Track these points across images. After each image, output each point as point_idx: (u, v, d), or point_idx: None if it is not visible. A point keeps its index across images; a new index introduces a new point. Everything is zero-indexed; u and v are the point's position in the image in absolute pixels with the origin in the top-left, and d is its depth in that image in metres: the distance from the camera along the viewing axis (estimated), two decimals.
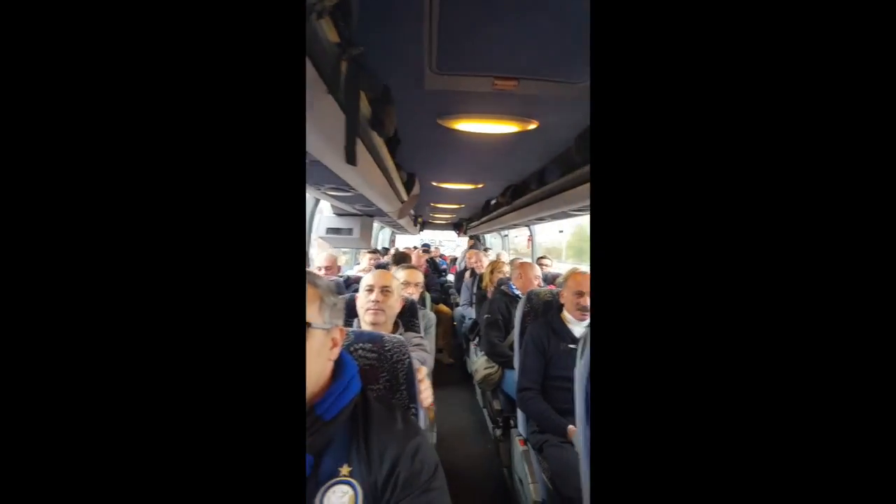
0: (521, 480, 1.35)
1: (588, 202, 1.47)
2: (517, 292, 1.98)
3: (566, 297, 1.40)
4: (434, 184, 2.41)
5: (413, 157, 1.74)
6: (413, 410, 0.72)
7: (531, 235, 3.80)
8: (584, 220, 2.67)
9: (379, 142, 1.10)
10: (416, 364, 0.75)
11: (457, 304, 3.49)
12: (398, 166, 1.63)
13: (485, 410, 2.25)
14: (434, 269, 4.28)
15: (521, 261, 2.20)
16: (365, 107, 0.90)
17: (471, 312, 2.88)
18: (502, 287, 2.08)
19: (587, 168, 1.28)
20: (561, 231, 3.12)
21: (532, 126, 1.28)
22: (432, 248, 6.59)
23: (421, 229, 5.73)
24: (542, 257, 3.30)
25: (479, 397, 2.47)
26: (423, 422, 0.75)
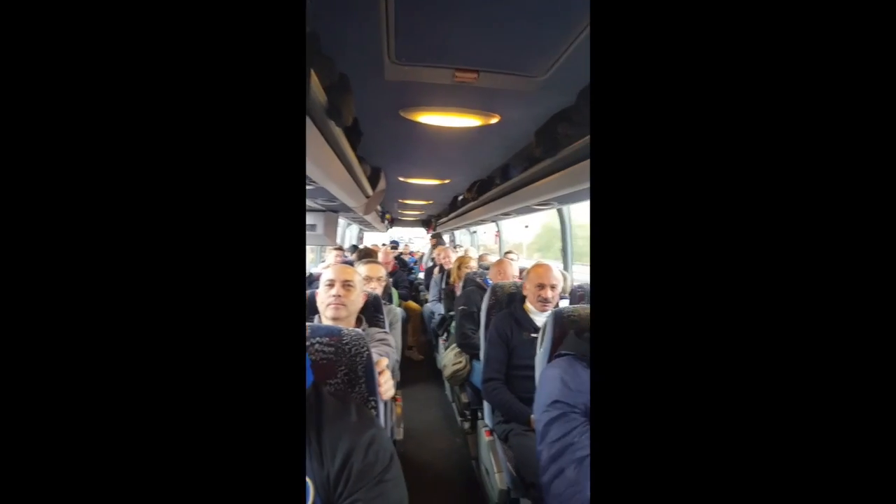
0: (487, 471, 1.37)
1: (547, 196, 1.50)
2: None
3: (528, 289, 1.44)
4: (400, 178, 2.39)
5: (377, 151, 1.71)
6: (373, 403, 0.71)
7: (498, 231, 3.85)
8: (548, 217, 2.74)
9: (338, 132, 1.07)
10: (375, 357, 0.74)
11: (426, 301, 3.48)
12: (361, 159, 1.60)
13: (454, 405, 2.27)
14: (403, 267, 4.25)
15: (500, 258, 2.24)
16: (321, 95, 0.88)
17: (440, 308, 2.89)
18: (478, 280, 2.10)
19: (548, 162, 1.31)
20: (527, 226, 3.18)
21: (494, 120, 1.29)
22: (402, 246, 6.54)
23: (390, 226, 5.67)
24: (508, 252, 3.35)
25: (448, 392, 2.48)
26: (383, 415, 0.74)
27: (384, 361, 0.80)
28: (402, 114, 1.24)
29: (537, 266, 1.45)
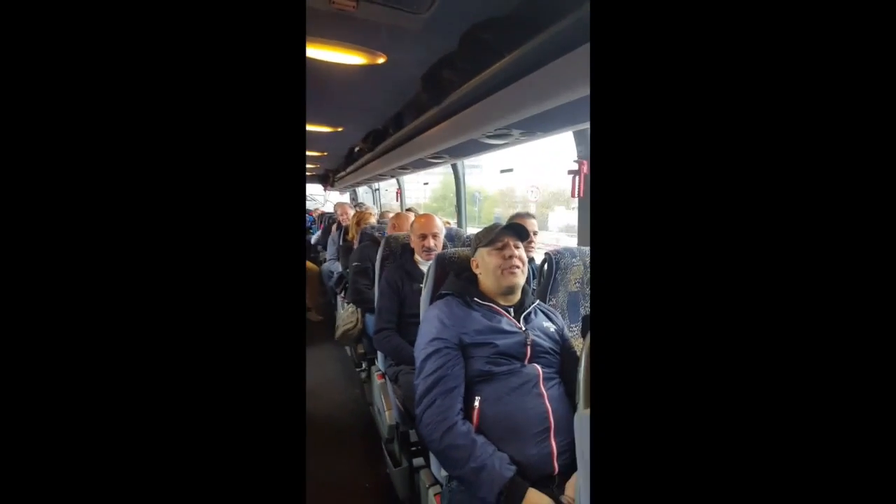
0: (379, 410, 1.43)
1: (437, 147, 1.52)
2: None
3: (414, 241, 1.47)
4: None
5: None
6: None
7: (400, 189, 3.81)
8: (446, 174, 2.78)
9: None
10: None
11: (325, 261, 3.34)
12: None
13: (352, 359, 2.29)
14: None
15: (396, 212, 2.21)
16: None
17: (338, 267, 2.80)
18: (375, 235, 2.06)
19: (435, 111, 1.31)
20: (426, 184, 3.21)
21: (381, 60, 1.22)
22: None
23: None
24: (409, 209, 3.36)
25: (347, 348, 2.48)
26: None
27: None
28: None
29: (419, 217, 1.49)
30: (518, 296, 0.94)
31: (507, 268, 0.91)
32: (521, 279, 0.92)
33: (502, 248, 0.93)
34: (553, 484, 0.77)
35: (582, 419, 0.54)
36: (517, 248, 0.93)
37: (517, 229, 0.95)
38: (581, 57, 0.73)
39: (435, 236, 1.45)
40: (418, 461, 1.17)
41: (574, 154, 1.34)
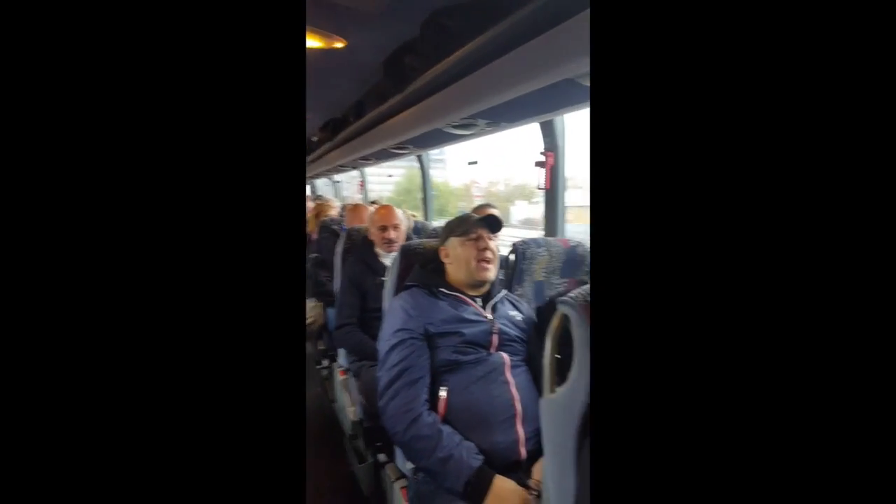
0: (342, 407, 1.39)
1: (401, 137, 1.48)
2: None
3: (373, 233, 1.44)
4: None
5: None
6: None
7: (363, 181, 3.71)
8: (410, 167, 2.74)
9: None
10: None
11: None
12: None
13: (314, 355, 2.20)
14: None
15: (353, 203, 2.15)
16: None
17: None
18: (333, 227, 1.99)
19: (398, 98, 1.28)
20: (390, 175, 3.15)
21: (338, 44, 1.17)
22: None
23: None
24: (373, 201, 3.29)
25: (307, 345, 2.39)
26: None
27: None
28: None
29: (379, 209, 1.45)
30: (486, 286, 0.94)
31: (481, 260, 0.90)
32: (493, 274, 0.92)
33: (476, 240, 0.92)
34: (520, 470, 0.77)
35: (547, 404, 0.55)
36: (490, 240, 0.93)
37: (490, 221, 0.94)
38: (547, 43, 0.72)
39: (396, 227, 1.41)
40: (383, 456, 1.14)
41: (541, 146, 1.35)
